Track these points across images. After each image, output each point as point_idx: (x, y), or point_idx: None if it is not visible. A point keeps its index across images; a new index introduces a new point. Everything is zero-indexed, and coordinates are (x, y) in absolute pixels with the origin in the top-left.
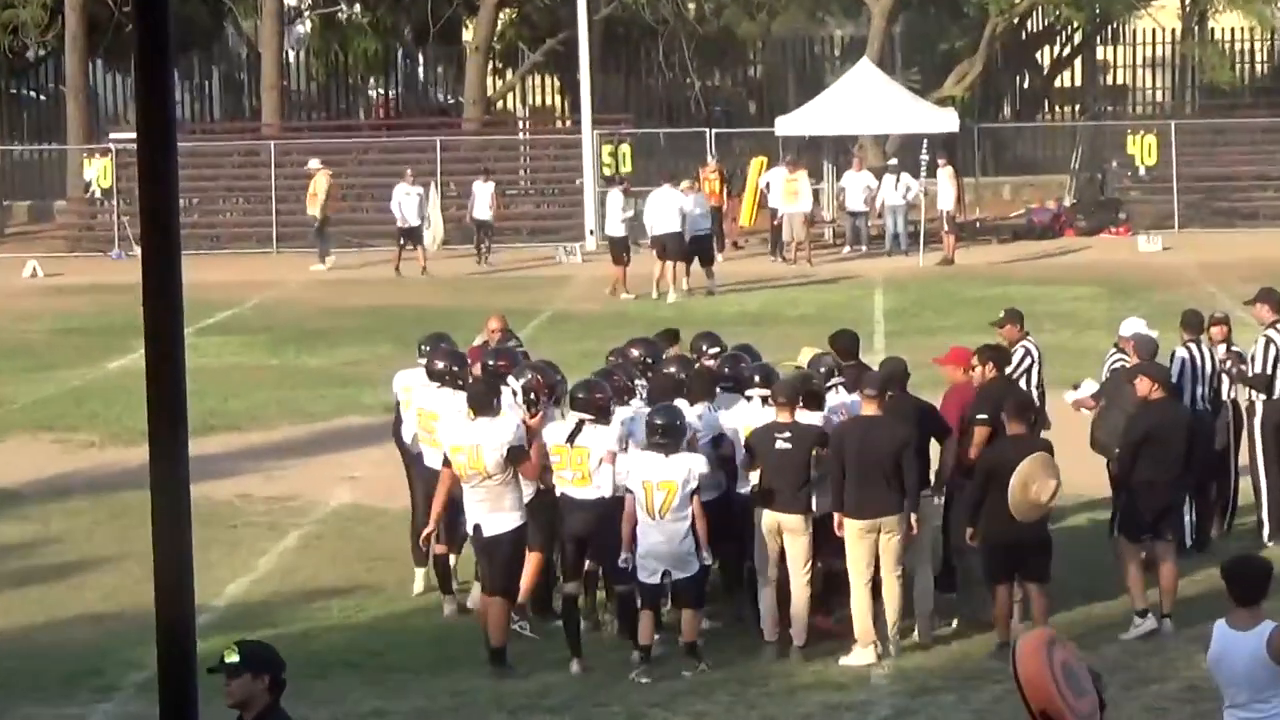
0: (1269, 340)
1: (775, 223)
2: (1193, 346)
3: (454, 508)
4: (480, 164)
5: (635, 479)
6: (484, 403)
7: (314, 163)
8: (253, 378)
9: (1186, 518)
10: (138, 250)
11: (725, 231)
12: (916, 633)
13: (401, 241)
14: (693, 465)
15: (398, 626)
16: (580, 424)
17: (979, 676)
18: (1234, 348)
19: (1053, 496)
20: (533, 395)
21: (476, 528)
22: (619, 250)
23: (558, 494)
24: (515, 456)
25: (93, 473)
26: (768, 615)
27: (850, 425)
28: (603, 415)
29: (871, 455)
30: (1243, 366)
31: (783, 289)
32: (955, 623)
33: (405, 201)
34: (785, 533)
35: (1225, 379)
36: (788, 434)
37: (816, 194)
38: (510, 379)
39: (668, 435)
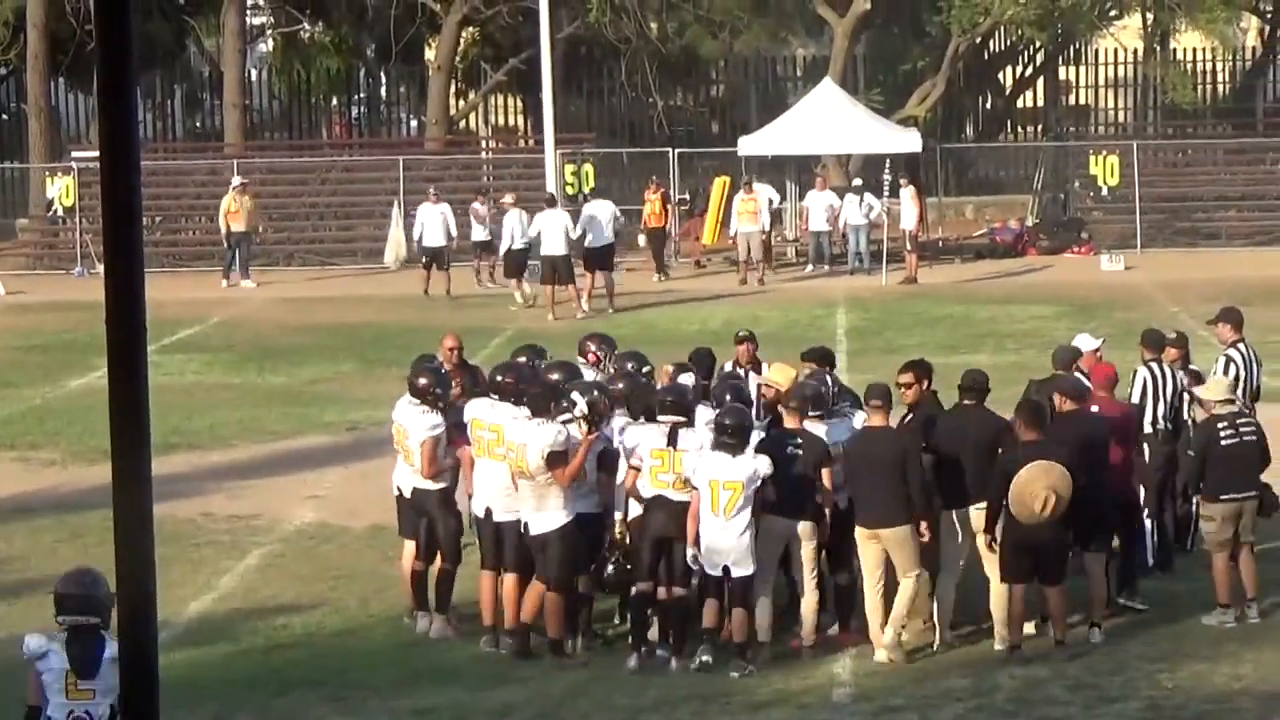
0: (1229, 360)
1: (731, 241)
2: (1154, 365)
3: (429, 524)
4: (442, 184)
5: (702, 478)
6: (541, 407)
7: (237, 180)
8: (215, 396)
9: (1150, 538)
10: (100, 268)
11: (690, 251)
12: (938, 637)
13: (424, 260)
14: (758, 466)
15: (360, 644)
16: (675, 428)
17: (941, 695)
18: (1192, 367)
19: (1046, 507)
20: (598, 416)
21: (525, 525)
22: (548, 270)
23: (649, 495)
24: (553, 461)
25: (55, 491)
26: (763, 618)
27: (856, 437)
28: (691, 417)
29: (876, 465)
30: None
31: (745, 307)
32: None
33: (429, 221)
34: (795, 538)
35: (1186, 399)
36: (798, 440)
37: (780, 213)
38: (575, 393)
39: (736, 435)
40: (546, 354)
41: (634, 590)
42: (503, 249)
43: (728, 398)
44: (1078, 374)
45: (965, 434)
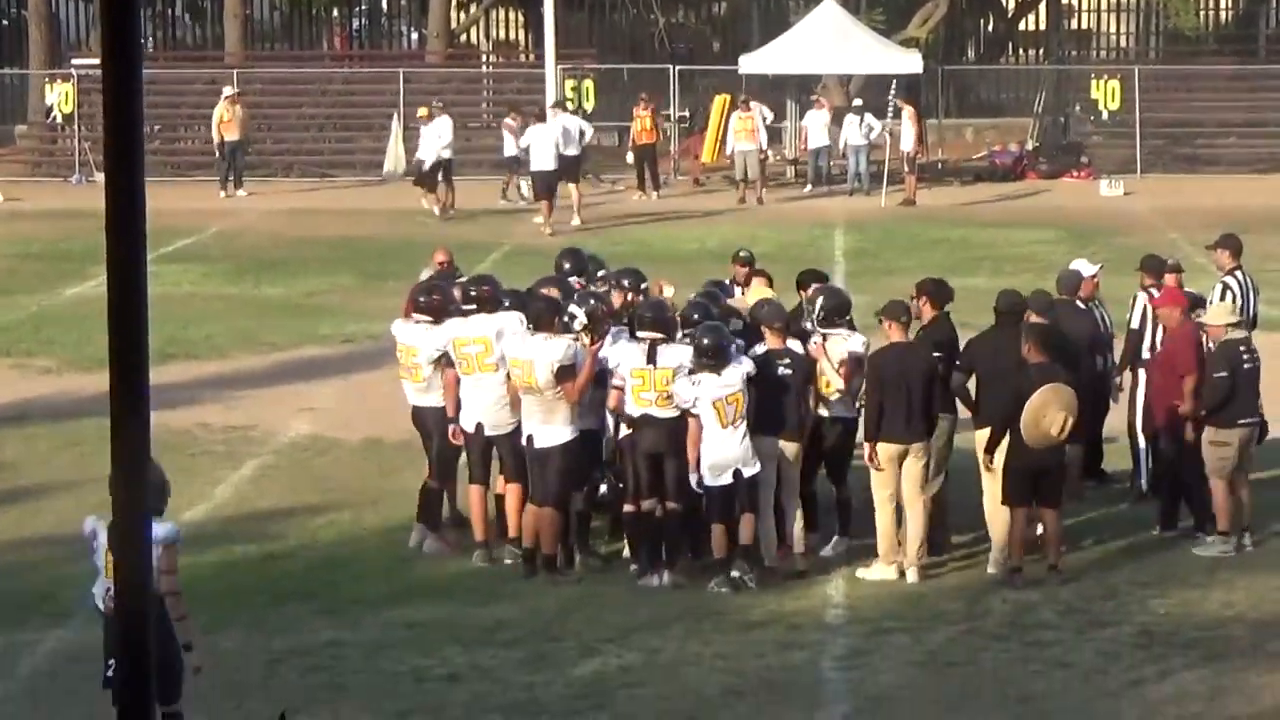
0: (1225, 286)
1: (729, 160)
2: (1154, 291)
3: (452, 449)
4: (442, 97)
5: (705, 402)
6: (545, 320)
7: (228, 90)
8: (211, 306)
9: (1144, 463)
10: (98, 176)
11: (689, 169)
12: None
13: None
14: (745, 369)
15: (353, 557)
16: (654, 344)
17: (933, 618)
18: (1189, 290)
19: (1063, 429)
20: (598, 324)
21: (529, 438)
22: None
23: (635, 415)
24: (563, 375)
25: (50, 399)
26: (768, 536)
27: (887, 352)
28: (672, 333)
29: (907, 380)
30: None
31: (742, 226)
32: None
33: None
34: (784, 457)
35: None
36: (788, 360)
37: (779, 133)
38: (573, 305)
39: (716, 355)
40: (587, 260)
41: (628, 508)
42: (426, 160)
43: (696, 317)
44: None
45: (1006, 353)
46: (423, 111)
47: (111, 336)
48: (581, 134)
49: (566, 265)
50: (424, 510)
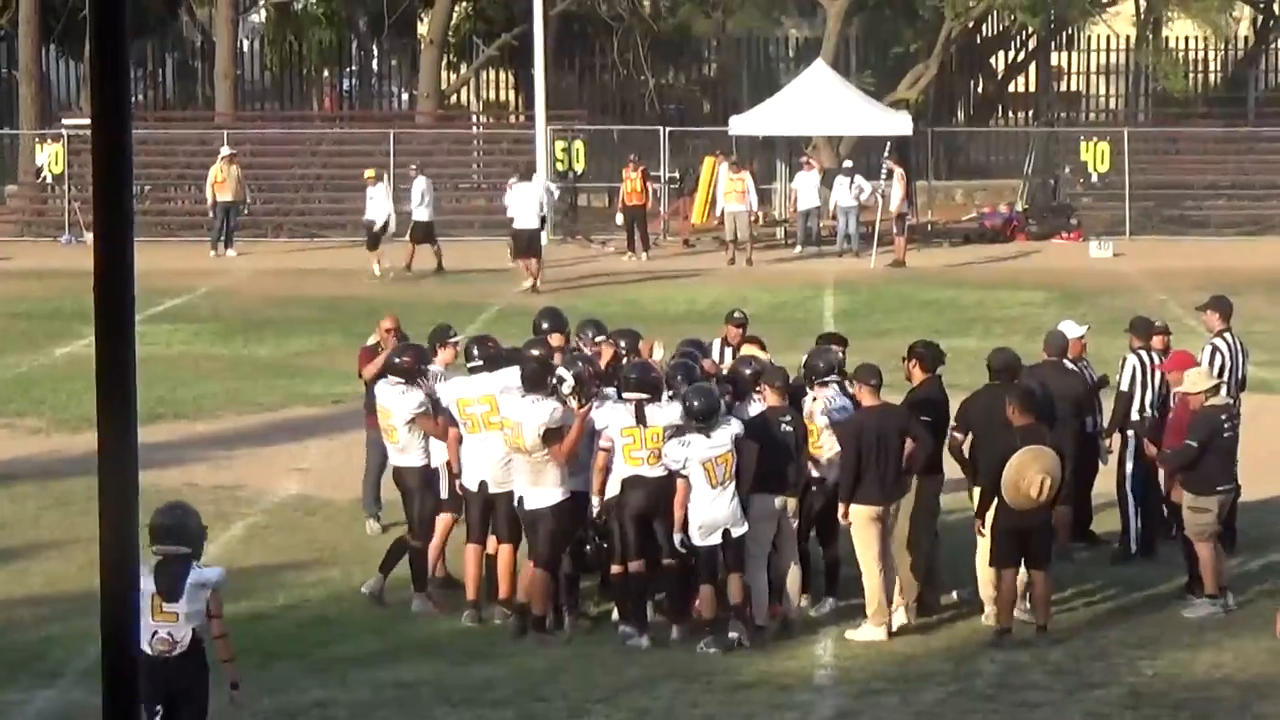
0: (1214, 348)
1: (718, 221)
2: (1143, 353)
3: (432, 509)
4: (431, 158)
5: (694, 463)
6: (536, 381)
7: (225, 150)
8: (201, 367)
9: (1133, 524)
10: (88, 236)
11: (679, 230)
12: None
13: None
14: (735, 430)
15: (342, 616)
16: (640, 405)
17: (922, 678)
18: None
19: (1043, 490)
20: (584, 387)
21: (520, 499)
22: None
23: (625, 475)
24: (549, 438)
25: (39, 459)
26: (761, 596)
27: (866, 415)
28: (658, 394)
29: (885, 443)
30: None
31: (734, 287)
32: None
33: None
34: (782, 514)
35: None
36: (788, 419)
37: (769, 194)
38: (561, 369)
39: (708, 418)
40: (605, 328)
41: (616, 569)
42: (376, 221)
43: (679, 378)
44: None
45: (1000, 413)
46: (369, 173)
47: (100, 396)
48: (542, 204)
49: (545, 325)
50: (389, 559)
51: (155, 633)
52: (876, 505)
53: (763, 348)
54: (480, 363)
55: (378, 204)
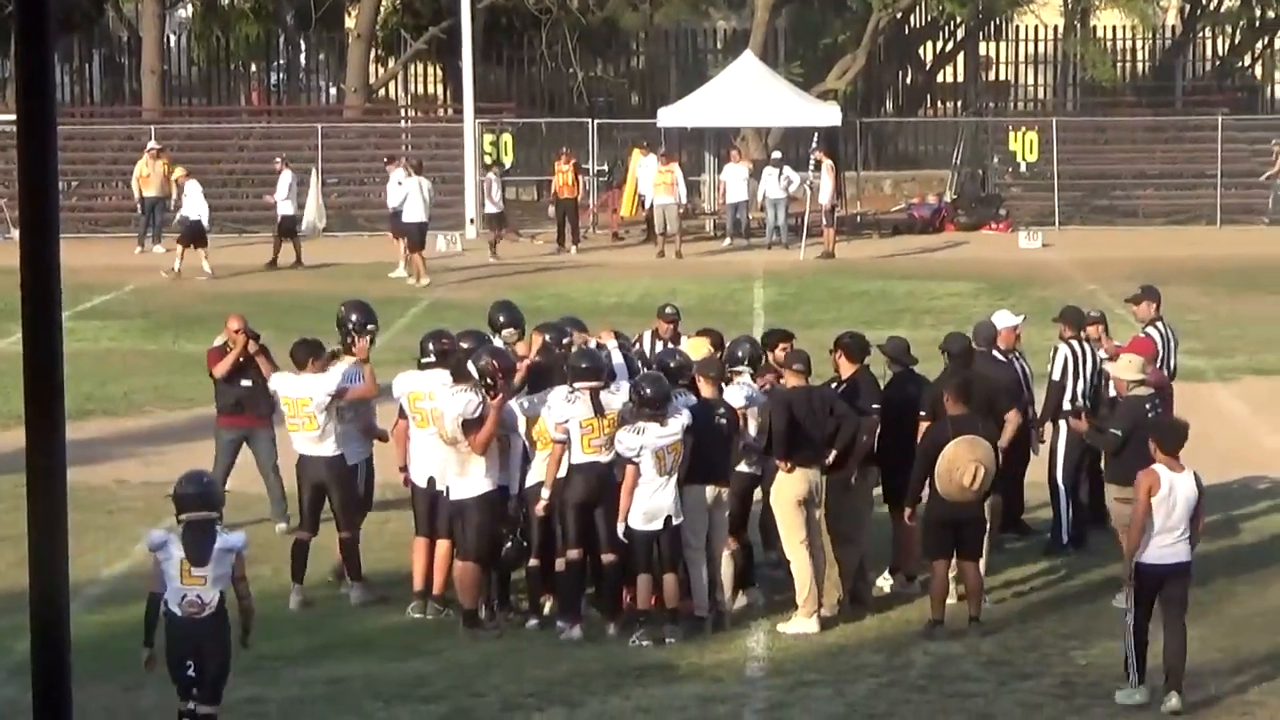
0: (1147, 337)
1: (647, 213)
2: (1074, 343)
3: (317, 494)
4: (360, 151)
5: (647, 453)
6: (459, 373)
7: (151, 144)
8: (129, 363)
9: (1064, 516)
10: (15, 233)
11: (608, 223)
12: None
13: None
14: (685, 420)
15: (273, 613)
16: (594, 394)
17: (855, 670)
18: (1115, 343)
19: (975, 480)
20: (489, 380)
21: (446, 489)
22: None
23: (579, 461)
24: (466, 429)
25: None
26: (700, 586)
27: (794, 392)
28: (608, 380)
29: (816, 418)
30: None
31: (662, 279)
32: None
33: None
34: (715, 504)
35: (1105, 376)
36: (722, 410)
37: (698, 186)
38: (469, 362)
39: (660, 405)
40: (585, 326)
41: (559, 562)
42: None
43: (585, 366)
44: (996, 353)
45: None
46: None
47: (27, 393)
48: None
49: (501, 318)
50: (296, 565)
51: (184, 596)
52: (809, 468)
53: (720, 345)
54: (433, 358)
55: (194, 202)
